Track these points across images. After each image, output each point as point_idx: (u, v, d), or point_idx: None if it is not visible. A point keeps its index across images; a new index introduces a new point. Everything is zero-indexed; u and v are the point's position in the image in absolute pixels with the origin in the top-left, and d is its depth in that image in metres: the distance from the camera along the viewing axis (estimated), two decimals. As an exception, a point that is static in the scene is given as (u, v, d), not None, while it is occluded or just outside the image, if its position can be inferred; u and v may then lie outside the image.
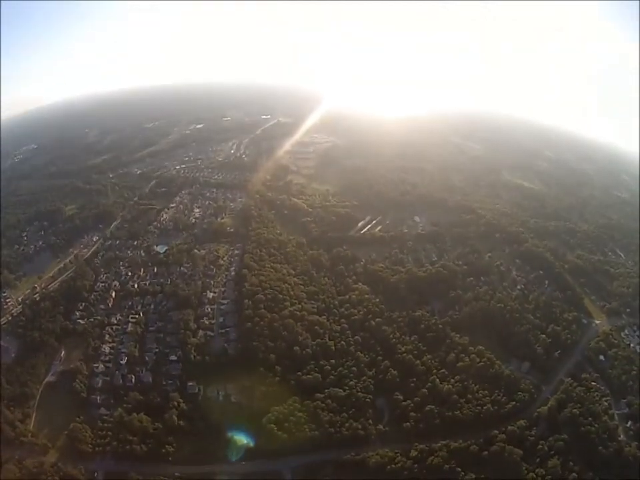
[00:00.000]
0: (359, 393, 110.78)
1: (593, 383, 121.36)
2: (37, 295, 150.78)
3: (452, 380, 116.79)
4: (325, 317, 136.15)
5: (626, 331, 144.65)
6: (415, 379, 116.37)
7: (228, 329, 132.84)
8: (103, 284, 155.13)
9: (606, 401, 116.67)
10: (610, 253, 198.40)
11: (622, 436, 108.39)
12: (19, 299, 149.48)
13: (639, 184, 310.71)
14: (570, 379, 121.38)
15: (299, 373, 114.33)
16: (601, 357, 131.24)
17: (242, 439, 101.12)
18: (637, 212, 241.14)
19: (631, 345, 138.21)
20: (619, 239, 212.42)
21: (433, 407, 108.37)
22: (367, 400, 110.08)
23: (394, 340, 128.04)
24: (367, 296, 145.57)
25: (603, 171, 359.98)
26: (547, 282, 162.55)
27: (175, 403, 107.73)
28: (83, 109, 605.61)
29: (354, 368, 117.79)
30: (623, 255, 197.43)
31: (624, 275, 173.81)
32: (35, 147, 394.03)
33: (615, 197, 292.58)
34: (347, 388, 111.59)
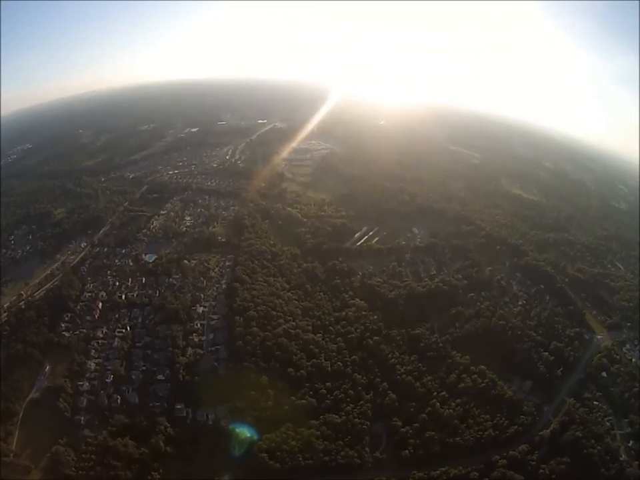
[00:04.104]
0: (356, 419, 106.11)
1: (595, 403, 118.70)
2: (23, 302, 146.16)
3: (453, 403, 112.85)
4: (320, 335, 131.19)
5: (627, 346, 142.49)
6: (414, 403, 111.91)
7: (218, 347, 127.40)
8: (90, 294, 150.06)
9: (608, 420, 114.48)
10: (609, 266, 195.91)
11: (623, 456, 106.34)
12: (5, 306, 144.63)
13: (638, 195, 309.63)
14: (572, 398, 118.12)
15: (293, 398, 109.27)
16: (603, 374, 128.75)
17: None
18: (634, 223, 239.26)
19: (633, 360, 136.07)
20: (618, 250, 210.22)
21: (432, 433, 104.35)
22: (364, 426, 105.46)
23: (393, 360, 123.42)
24: (364, 312, 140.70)
25: (600, 181, 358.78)
26: (548, 297, 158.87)
27: (162, 427, 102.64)
28: (79, 108, 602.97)
29: (351, 391, 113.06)
30: (622, 267, 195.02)
31: (624, 288, 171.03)
32: (30, 146, 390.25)
33: (612, 208, 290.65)
34: (343, 414, 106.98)
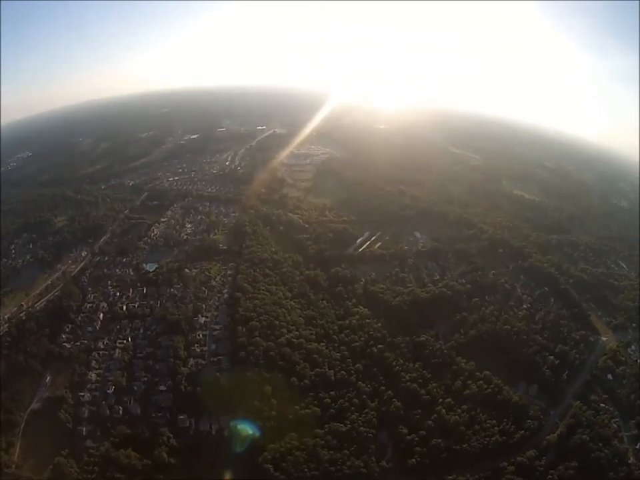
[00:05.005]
0: (361, 428, 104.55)
1: (601, 405, 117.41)
2: (24, 313, 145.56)
3: (459, 410, 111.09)
4: (324, 343, 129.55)
5: (633, 347, 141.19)
6: (419, 410, 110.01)
7: (220, 357, 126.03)
8: (91, 304, 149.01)
9: (615, 423, 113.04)
10: (613, 265, 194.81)
11: (631, 459, 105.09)
12: (6, 317, 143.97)
13: (639, 192, 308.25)
14: (579, 401, 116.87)
15: (297, 407, 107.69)
16: (609, 376, 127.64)
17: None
18: (636, 221, 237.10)
19: (638, 361, 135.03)
20: (621, 250, 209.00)
21: (439, 440, 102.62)
22: (369, 435, 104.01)
23: (397, 367, 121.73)
24: (367, 320, 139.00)
25: (601, 179, 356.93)
26: (552, 299, 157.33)
27: (165, 438, 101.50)
28: (79, 117, 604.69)
29: (355, 400, 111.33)
30: (625, 267, 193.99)
31: (628, 287, 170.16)
32: (30, 154, 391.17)
33: (614, 206, 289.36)
34: (347, 422, 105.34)
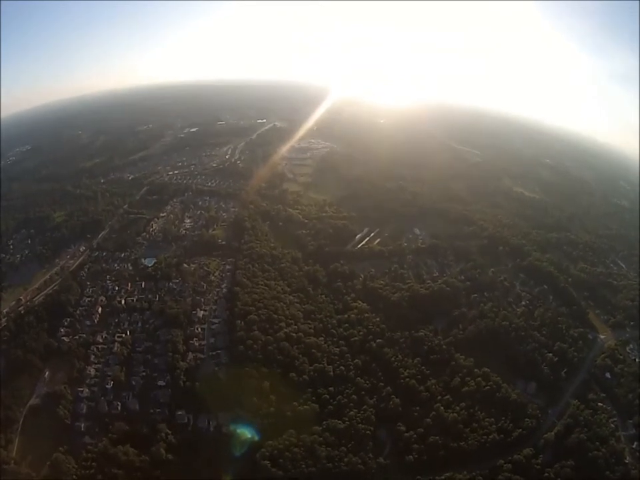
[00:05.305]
0: (359, 424, 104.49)
1: (599, 404, 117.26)
2: (22, 308, 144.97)
3: (457, 407, 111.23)
4: (322, 338, 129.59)
5: (631, 345, 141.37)
6: (418, 407, 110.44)
7: (219, 351, 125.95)
8: (89, 299, 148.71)
9: (613, 422, 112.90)
10: (612, 265, 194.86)
11: (628, 458, 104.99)
12: (4, 312, 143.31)
13: (639, 191, 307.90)
14: (577, 400, 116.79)
15: (295, 403, 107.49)
16: (607, 375, 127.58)
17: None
18: (636, 220, 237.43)
19: (636, 359, 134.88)
20: (620, 249, 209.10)
21: (437, 437, 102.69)
22: (368, 432, 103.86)
23: (396, 363, 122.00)
24: (366, 315, 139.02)
25: (601, 178, 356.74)
26: (551, 297, 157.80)
27: (163, 435, 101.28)
28: (78, 110, 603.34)
29: (354, 396, 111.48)
30: (624, 266, 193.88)
31: (627, 287, 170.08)
32: (29, 147, 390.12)
33: (614, 205, 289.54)
34: (346, 419, 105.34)
